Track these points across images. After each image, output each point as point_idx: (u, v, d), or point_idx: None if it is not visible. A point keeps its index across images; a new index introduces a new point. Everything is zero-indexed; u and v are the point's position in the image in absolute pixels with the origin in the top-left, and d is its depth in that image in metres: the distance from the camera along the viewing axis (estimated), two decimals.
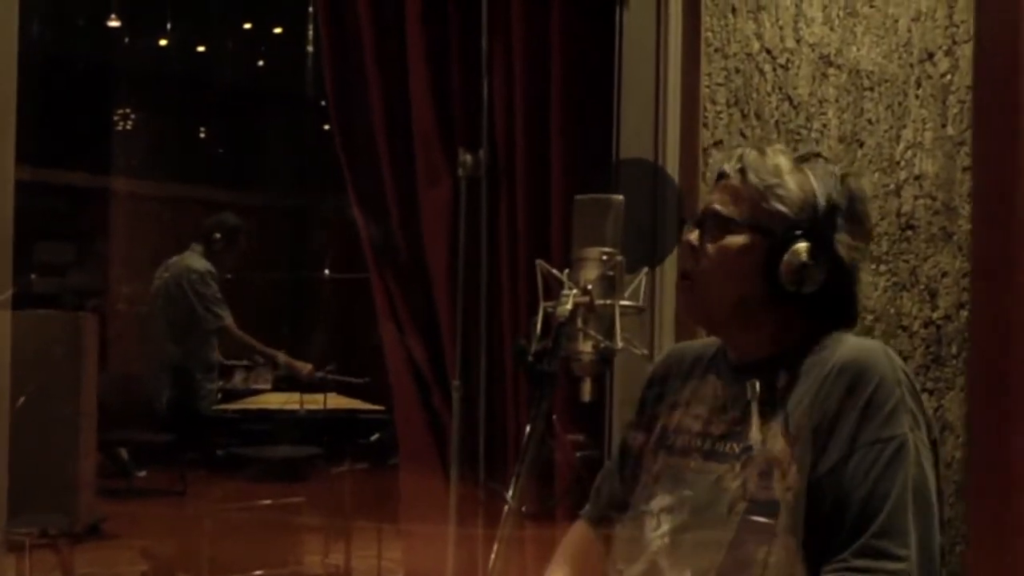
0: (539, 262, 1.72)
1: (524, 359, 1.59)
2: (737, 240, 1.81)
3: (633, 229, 1.81)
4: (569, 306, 1.64)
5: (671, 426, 1.94)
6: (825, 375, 1.76)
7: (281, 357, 6.27)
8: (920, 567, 1.69)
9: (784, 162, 1.83)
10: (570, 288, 1.66)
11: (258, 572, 4.73)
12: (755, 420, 1.78)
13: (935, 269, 2.53)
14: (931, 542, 1.73)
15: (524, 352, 1.59)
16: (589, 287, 1.66)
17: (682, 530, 1.81)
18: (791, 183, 1.81)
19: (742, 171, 1.83)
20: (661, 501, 1.87)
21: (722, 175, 1.87)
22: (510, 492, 1.53)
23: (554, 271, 1.70)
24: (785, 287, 1.78)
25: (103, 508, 5.82)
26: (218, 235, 6.22)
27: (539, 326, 1.66)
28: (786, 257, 1.78)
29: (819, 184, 1.82)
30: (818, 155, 1.89)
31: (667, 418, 1.95)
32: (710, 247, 1.83)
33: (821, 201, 1.81)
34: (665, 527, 1.84)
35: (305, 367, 6.09)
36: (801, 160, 1.85)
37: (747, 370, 1.85)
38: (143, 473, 7.21)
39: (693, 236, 1.85)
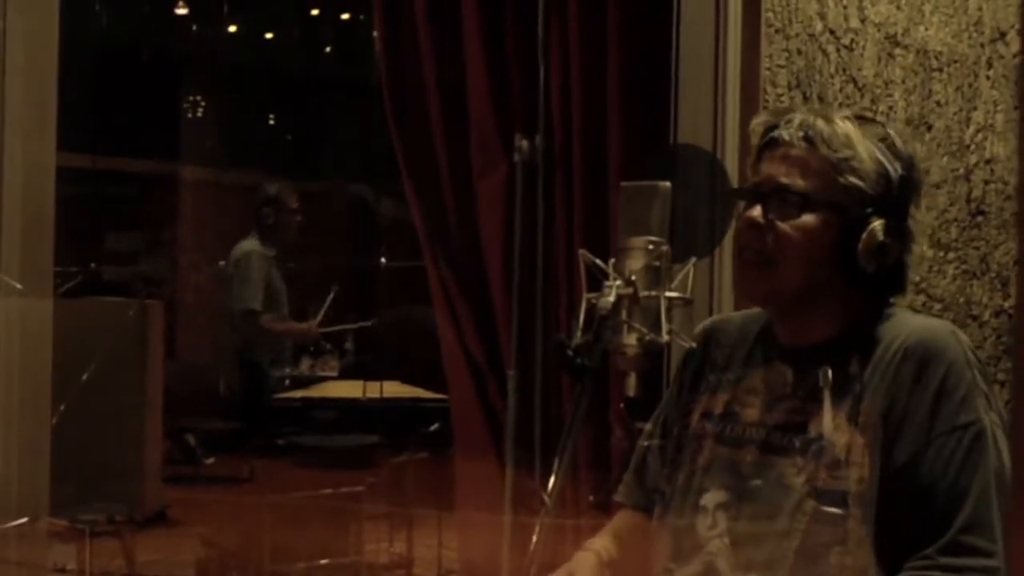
0: (582, 251, 1.65)
1: (563, 354, 1.52)
2: (813, 219, 1.73)
3: (683, 217, 1.75)
4: (612, 298, 1.57)
5: (716, 410, 1.85)
6: (891, 359, 1.69)
7: (313, 330, 6.26)
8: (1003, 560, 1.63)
9: (853, 130, 1.74)
10: (614, 279, 1.60)
11: (323, 560, 4.73)
12: (827, 409, 1.70)
13: (1007, 256, 2.44)
14: (1008, 532, 1.66)
15: (564, 346, 1.53)
16: (633, 278, 1.59)
17: (743, 529, 1.74)
18: (864, 154, 1.72)
19: (808, 139, 1.73)
20: (715, 496, 1.78)
21: (777, 142, 1.76)
22: (548, 488, 1.47)
23: (598, 261, 1.64)
24: (863, 268, 1.71)
25: (170, 495, 5.86)
26: (264, 206, 6.17)
27: (582, 318, 1.60)
28: (864, 237, 1.70)
29: (887, 153, 1.74)
30: (863, 117, 1.81)
31: (711, 401, 1.86)
32: (782, 225, 1.73)
33: (893, 173, 1.73)
34: (722, 525, 1.76)
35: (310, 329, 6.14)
36: (859, 124, 1.76)
37: (805, 355, 1.77)
38: (211, 460, 7.26)
39: (756, 213, 1.75)
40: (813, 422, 1.72)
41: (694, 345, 1.83)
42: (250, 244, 6.17)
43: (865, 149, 1.73)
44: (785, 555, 1.67)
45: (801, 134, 1.74)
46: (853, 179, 1.72)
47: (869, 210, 1.71)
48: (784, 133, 1.75)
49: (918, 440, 1.64)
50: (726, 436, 1.82)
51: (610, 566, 1.86)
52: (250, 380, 6.23)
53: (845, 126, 1.74)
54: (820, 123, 1.74)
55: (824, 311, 1.77)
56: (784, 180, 1.74)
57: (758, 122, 1.83)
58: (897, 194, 1.74)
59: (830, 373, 1.71)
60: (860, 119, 1.78)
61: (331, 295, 6.57)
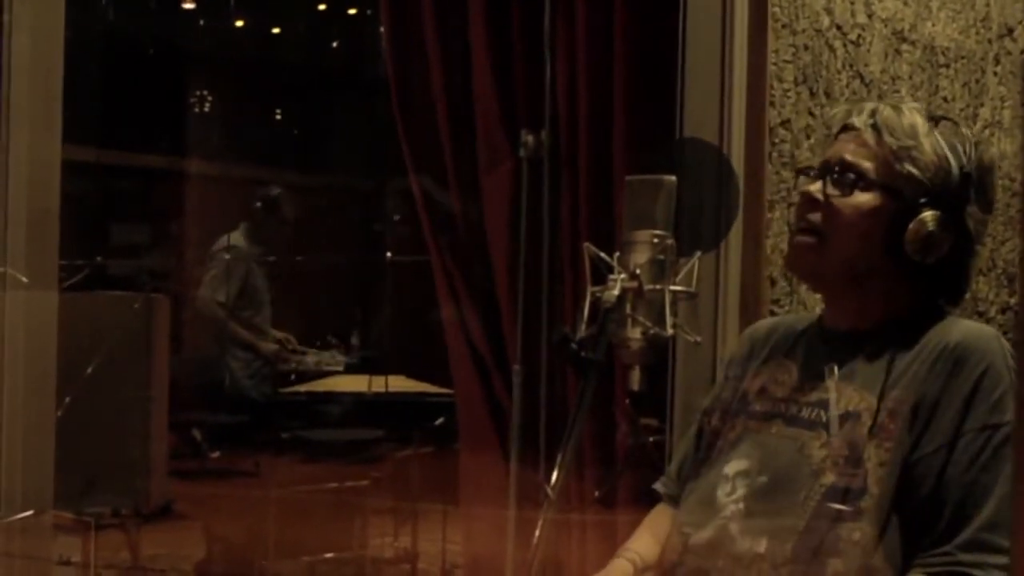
0: (586, 245, 1.65)
1: (567, 347, 1.52)
2: (867, 198, 1.74)
3: (689, 211, 1.75)
4: (616, 291, 1.57)
5: (753, 390, 1.87)
6: (931, 354, 1.69)
7: (275, 355, 6.29)
8: None
9: (920, 122, 1.75)
10: (619, 272, 1.60)
11: (328, 554, 4.73)
12: (833, 403, 1.71)
13: (1013, 253, 2.43)
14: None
15: (567, 340, 1.52)
16: (638, 271, 1.59)
17: (759, 496, 1.74)
18: (926, 146, 1.73)
19: (875, 127, 1.75)
20: (737, 465, 1.80)
21: (848, 127, 1.79)
22: (551, 482, 1.47)
23: (602, 254, 1.64)
24: (909, 255, 1.71)
25: (176, 489, 5.86)
26: (259, 204, 6.17)
27: (587, 312, 1.60)
28: (912, 224, 1.71)
29: (952, 151, 1.74)
30: (947, 118, 1.81)
31: (749, 384, 1.88)
32: (837, 201, 1.75)
33: (955, 169, 1.73)
34: (740, 492, 1.76)
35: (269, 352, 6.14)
36: (934, 122, 1.77)
37: (846, 338, 1.78)
38: (216, 454, 7.26)
39: (815, 188, 1.77)
40: (842, 401, 1.73)
41: (698, 338, 1.83)
42: (234, 238, 6.15)
43: (929, 142, 1.74)
44: (796, 523, 1.67)
45: (871, 121, 1.77)
46: (910, 167, 1.73)
47: (924, 200, 1.72)
48: (856, 120, 1.79)
49: (946, 433, 1.65)
50: (756, 411, 1.84)
51: (644, 572, 1.87)
52: (246, 374, 6.24)
53: (912, 117, 1.76)
54: (888, 111, 1.77)
55: (871, 297, 1.78)
56: (848, 157, 1.77)
57: (837, 111, 1.86)
58: (956, 190, 1.74)
59: (836, 369, 1.73)
60: (937, 117, 1.80)
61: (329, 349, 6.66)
